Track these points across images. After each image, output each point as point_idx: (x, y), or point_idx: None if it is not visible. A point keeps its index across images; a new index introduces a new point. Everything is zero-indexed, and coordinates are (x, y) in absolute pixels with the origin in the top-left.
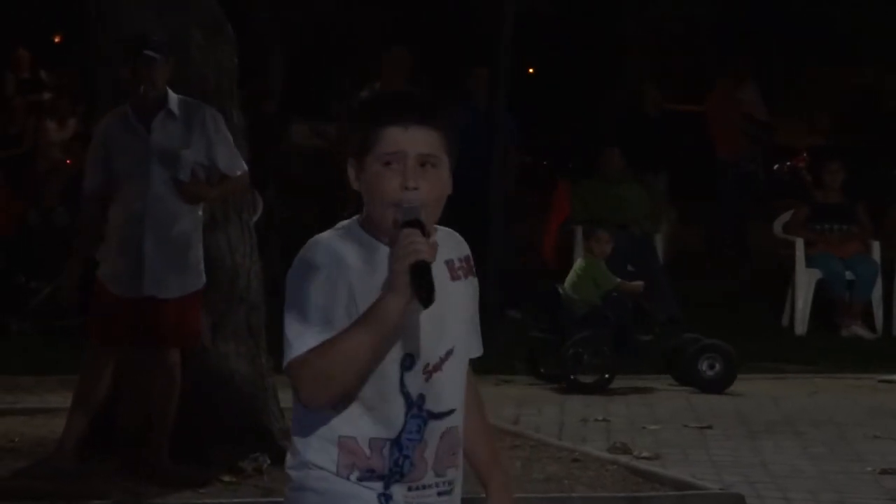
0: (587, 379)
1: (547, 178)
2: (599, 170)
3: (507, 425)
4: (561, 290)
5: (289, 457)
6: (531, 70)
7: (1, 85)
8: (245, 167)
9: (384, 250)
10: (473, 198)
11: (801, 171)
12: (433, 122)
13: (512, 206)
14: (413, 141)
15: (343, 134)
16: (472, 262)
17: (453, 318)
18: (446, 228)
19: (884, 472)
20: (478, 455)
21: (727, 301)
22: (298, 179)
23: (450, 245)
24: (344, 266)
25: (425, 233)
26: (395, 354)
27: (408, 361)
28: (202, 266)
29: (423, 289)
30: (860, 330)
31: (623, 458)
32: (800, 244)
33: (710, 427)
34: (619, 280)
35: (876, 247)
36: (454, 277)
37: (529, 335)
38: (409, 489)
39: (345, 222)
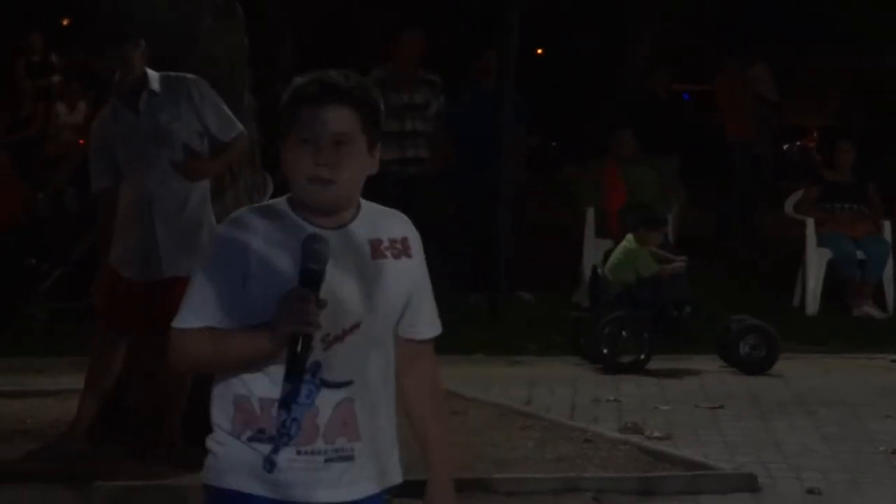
0: (624, 359)
1: (555, 161)
2: (611, 152)
3: (519, 406)
4: (599, 271)
5: None
6: (539, 51)
7: (11, 68)
8: (241, 128)
9: (303, 228)
10: (484, 180)
11: (812, 152)
12: (346, 101)
13: (524, 189)
14: (326, 120)
15: None
16: (410, 245)
17: (365, 295)
18: (388, 209)
19: (895, 452)
20: (420, 436)
21: (738, 282)
22: None
23: (382, 223)
24: (248, 242)
25: (317, 292)
26: None
27: None
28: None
29: (293, 362)
30: (871, 310)
31: (635, 438)
32: (810, 224)
33: (721, 407)
34: (659, 266)
35: (887, 226)
36: (377, 256)
37: (567, 315)
38: (298, 453)
39: (275, 199)
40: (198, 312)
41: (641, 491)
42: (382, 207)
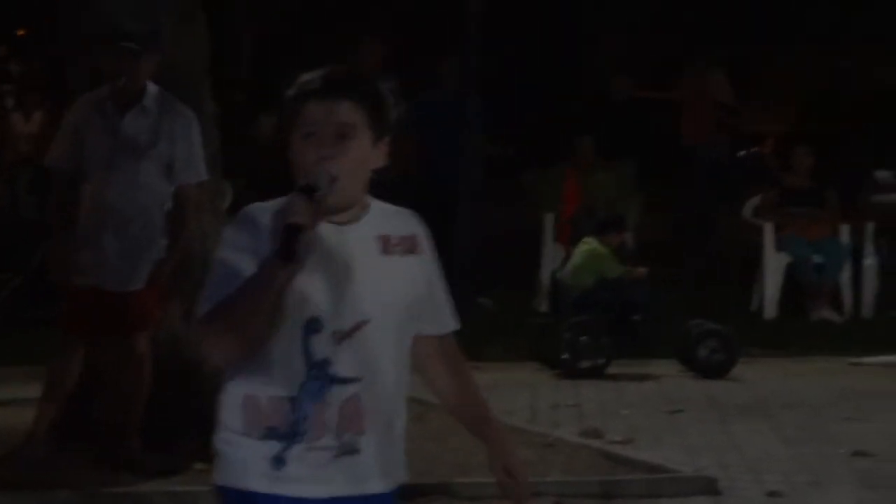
0: (584, 364)
1: (512, 168)
2: (570, 157)
3: None
4: (558, 275)
5: None
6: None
7: None
8: (202, 177)
9: None
10: (445, 186)
11: (767, 158)
12: (348, 94)
13: (482, 195)
14: (328, 113)
15: None
16: (418, 242)
17: (375, 291)
18: (397, 207)
19: (857, 453)
20: (467, 417)
21: (696, 286)
22: (265, 171)
23: (391, 221)
24: (261, 233)
25: (312, 198)
26: (300, 316)
27: (314, 325)
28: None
29: (286, 249)
30: (829, 313)
31: (596, 443)
32: (769, 228)
33: (681, 411)
34: (624, 268)
35: (844, 230)
36: (385, 252)
37: (528, 321)
38: (308, 449)
39: (285, 197)
40: (214, 294)
41: (602, 495)
42: (392, 206)
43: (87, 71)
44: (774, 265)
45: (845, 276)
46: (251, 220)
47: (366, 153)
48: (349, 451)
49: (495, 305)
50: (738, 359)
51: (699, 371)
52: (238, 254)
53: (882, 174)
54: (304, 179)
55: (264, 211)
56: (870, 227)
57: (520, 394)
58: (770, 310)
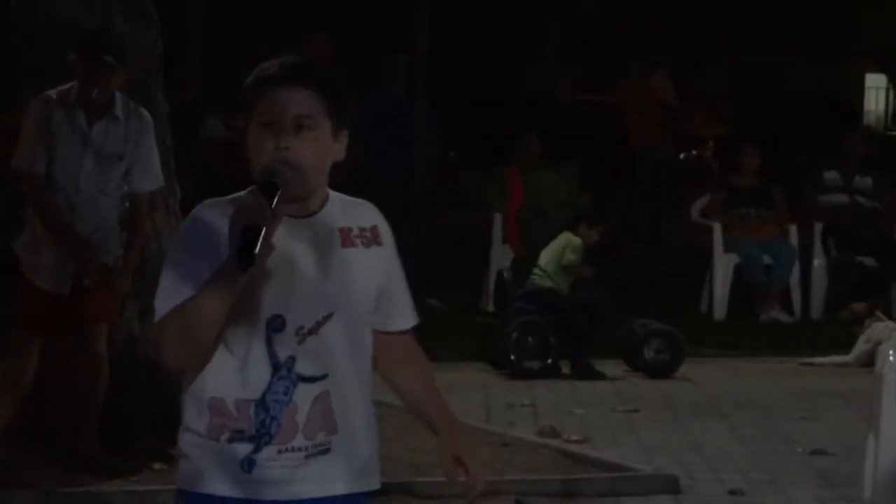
0: (531, 363)
1: (454, 170)
2: (516, 157)
3: None
4: (505, 274)
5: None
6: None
7: None
8: (159, 183)
9: None
10: (393, 186)
11: (708, 160)
12: (308, 83)
13: (431, 196)
14: (288, 102)
15: None
16: (380, 233)
17: (337, 284)
18: (357, 199)
19: (814, 452)
20: (425, 413)
21: (644, 287)
22: (212, 172)
23: (351, 213)
24: (213, 230)
25: (272, 197)
26: (261, 314)
27: (277, 322)
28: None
29: (243, 252)
30: (779, 314)
31: (553, 442)
32: (717, 228)
33: (636, 410)
34: (577, 261)
35: (793, 231)
36: (347, 244)
37: (476, 320)
38: (279, 451)
39: (239, 193)
40: (169, 300)
41: (564, 493)
42: (351, 197)
43: (34, 70)
44: (723, 265)
45: (794, 276)
46: (204, 218)
47: (326, 144)
48: (322, 451)
49: (444, 306)
50: (684, 359)
51: (645, 371)
52: (192, 255)
53: (830, 174)
54: (262, 175)
55: (218, 207)
56: (818, 227)
57: (473, 394)
58: (719, 310)
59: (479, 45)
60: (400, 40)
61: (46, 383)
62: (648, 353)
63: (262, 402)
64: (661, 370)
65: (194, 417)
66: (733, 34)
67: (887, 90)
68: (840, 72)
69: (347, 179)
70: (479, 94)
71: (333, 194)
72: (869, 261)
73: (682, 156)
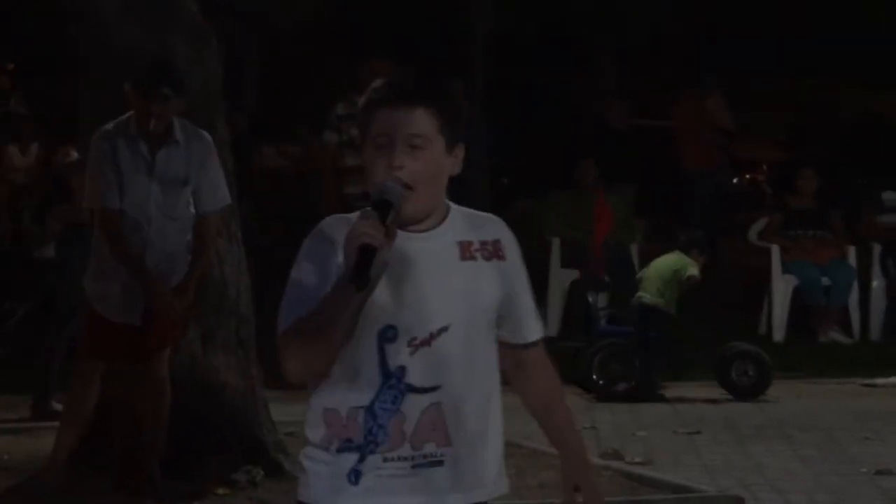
0: (619, 386)
1: (509, 194)
2: (574, 182)
3: None
4: (591, 299)
5: None
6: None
7: None
8: (225, 202)
9: None
10: None
11: (762, 184)
12: (420, 102)
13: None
14: (399, 122)
15: (309, 153)
16: (502, 247)
17: (454, 297)
18: (483, 213)
19: (879, 472)
20: (549, 425)
21: (703, 311)
22: (266, 199)
23: (472, 226)
24: (334, 244)
25: (385, 216)
26: (374, 324)
27: (389, 333)
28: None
29: (357, 273)
30: (838, 335)
31: (616, 464)
32: (776, 251)
33: (698, 433)
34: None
35: (851, 252)
36: (465, 257)
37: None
38: (384, 460)
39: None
40: (291, 311)
41: None
42: (475, 211)
43: (95, 101)
44: (782, 287)
45: (853, 298)
46: (326, 235)
47: (440, 161)
48: (432, 462)
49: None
50: (772, 381)
51: (732, 392)
52: (312, 270)
53: (888, 195)
54: (376, 194)
55: (340, 223)
56: (876, 248)
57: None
58: (779, 332)
59: (532, 71)
60: (457, 67)
61: (109, 409)
62: (736, 375)
63: (370, 410)
64: (749, 392)
65: (311, 429)
66: (785, 60)
67: None
68: (892, 95)
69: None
70: (531, 121)
71: (456, 208)
72: None
73: (735, 180)
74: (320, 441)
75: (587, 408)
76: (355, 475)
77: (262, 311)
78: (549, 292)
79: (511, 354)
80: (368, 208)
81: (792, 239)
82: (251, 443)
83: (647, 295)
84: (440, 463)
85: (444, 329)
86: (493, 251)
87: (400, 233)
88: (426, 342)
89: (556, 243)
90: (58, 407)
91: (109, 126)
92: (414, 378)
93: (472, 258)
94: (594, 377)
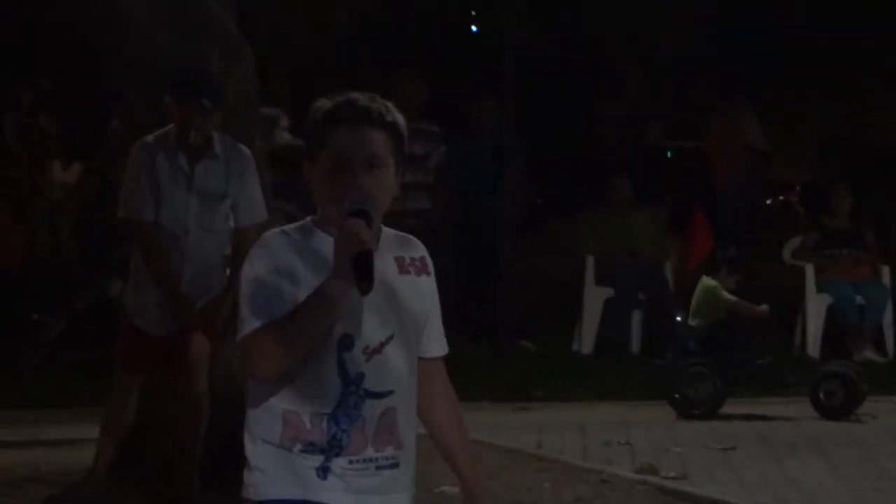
0: (701, 406)
1: (542, 215)
2: (607, 199)
3: (531, 449)
4: (679, 318)
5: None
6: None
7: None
8: (262, 217)
9: (331, 242)
10: (482, 230)
11: (794, 205)
12: (380, 124)
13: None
14: (361, 142)
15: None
16: (427, 264)
17: (397, 308)
18: (404, 233)
19: None
20: (449, 451)
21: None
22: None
23: (402, 244)
24: (287, 255)
25: (370, 223)
26: (334, 333)
27: (347, 341)
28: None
29: (363, 278)
30: (872, 354)
31: (651, 479)
32: (810, 270)
33: (733, 448)
34: (735, 299)
35: (886, 271)
36: (402, 272)
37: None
38: (350, 462)
39: (302, 221)
40: (257, 313)
41: None
42: (397, 231)
43: (131, 113)
44: (816, 306)
45: (888, 317)
46: (276, 244)
47: (390, 181)
48: (391, 464)
49: (536, 347)
50: (864, 399)
51: (820, 411)
52: (275, 274)
53: None
54: (355, 204)
55: (284, 234)
56: None
57: (569, 432)
58: (813, 350)
59: (563, 91)
60: (488, 86)
61: (146, 422)
62: (823, 394)
63: (333, 417)
64: (838, 411)
65: (266, 429)
66: (816, 82)
67: None
68: None
69: (438, 222)
70: (563, 141)
71: (385, 228)
72: None
73: (768, 201)
74: (279, 441)
75: (623, 423)
76: (323, 471)
77: None
78: (583, 310)
79: (420, 367)
80: (350, 217)
81: (826, 258)
82: None
83: (696, 319)
84: (396, 465)
85: (391, 338)
86: (420, 267)
87: None
88: (378, 350)
89: (590, 261)
90: None
91: (150, 138)
92: (371, 384)
93: (408, 272)
94: (676, 396)
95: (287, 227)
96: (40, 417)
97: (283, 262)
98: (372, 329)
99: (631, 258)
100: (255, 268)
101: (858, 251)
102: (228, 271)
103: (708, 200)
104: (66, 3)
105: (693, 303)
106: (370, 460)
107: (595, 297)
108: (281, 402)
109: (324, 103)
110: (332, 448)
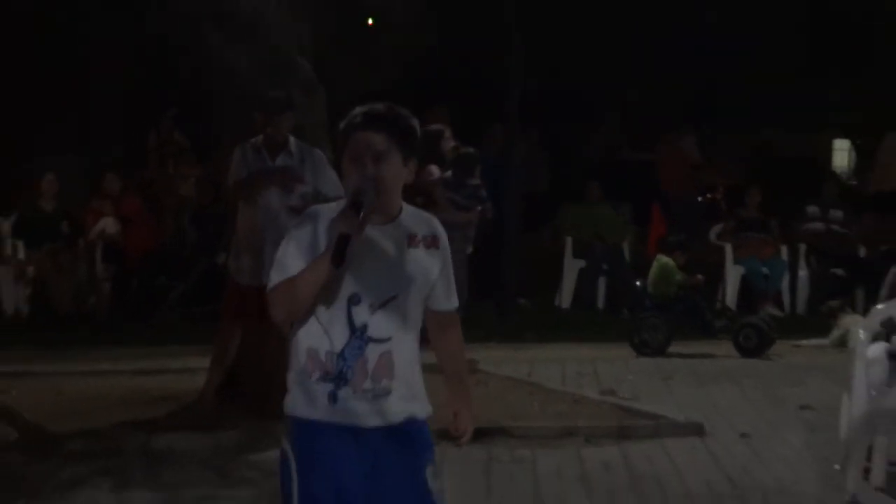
0: (652, 344)
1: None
2: (583, 197)
3: (524, 378)
4: (638, 283)
5: None
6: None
7: (146, 140)
8: (343, 193)
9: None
10: (494, 223)
11: (719, 202)
12: (383, 126)
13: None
14: (369, 141)
15: None
16: (438, 240)
17: (400, 274)
18: (425, 213)
19: (803, 407)
20: (449, 371)
21: None
22: None
23: (418, 223)
24: (320, 225)
25: (360, 212)
26: (345, 292)
27: (355, 298)
28: None
29: (336, 254)
30: (773, 309)
31: (611, 399)
32: (729, 248)
33: (671, 378)
34: (683, 276)
35: (784, 250)
36: (412, 245)
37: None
38: (353, 391)
39: (335, 202)
40: (279, 271)
41: (620, 435)
42: (421, 210)
43: (231, 136)
44: (733, 275)
45: (784, 283)
46: (314, 217)
47: (397, 171)
48: (385, 392)
49: (530, 304)
50: (772, 343)
51: (741, 352)
52: (299, 244)
53: (811, 208)
54: (352, 195)
55: (323, 210)
56: (802, 247)
57: (552, 366)
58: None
59: (554, 118)
60: (498, 117)
61: (242, 359)
62: (742, 338)
63: (342, 355)
64: (752, 352)
65: (296, 360)
66: (738, 112)
67: (849, 151)
68: (815, 138)
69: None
70: (553, 156)
71: (407, 207)
72: (840, 272)
73: (699, 199)
74: (304, 370)
75: (592, 359)
76: (333, 398)
77: None
78: (563, 276)
79: (435, 317)
80: (347, 205)
81: (741, 240)
82: None
83: (653, 287)
84: (389, 392)
85: (394, 297)
86: (431, 242)
87: (368, 225)
88: (382, 305)
89: (569, 241)
90: None
91: (245, 143)
92: (373, 332)
93: (417, 247)
94: (635, 340)
95: (326, 205)
96: (169, 352)
97: (312, 232)
98: (377, 289)
99: (599, 240)
100: (291, 234)
101: (765, 235)
102: None
103: (661, 199)
104: (192, 57)
105: (650, 275)
106: (368, 390)
107: (572, 267)
108: (305, 341)
109: (348, 116)
110: (340, 378)
